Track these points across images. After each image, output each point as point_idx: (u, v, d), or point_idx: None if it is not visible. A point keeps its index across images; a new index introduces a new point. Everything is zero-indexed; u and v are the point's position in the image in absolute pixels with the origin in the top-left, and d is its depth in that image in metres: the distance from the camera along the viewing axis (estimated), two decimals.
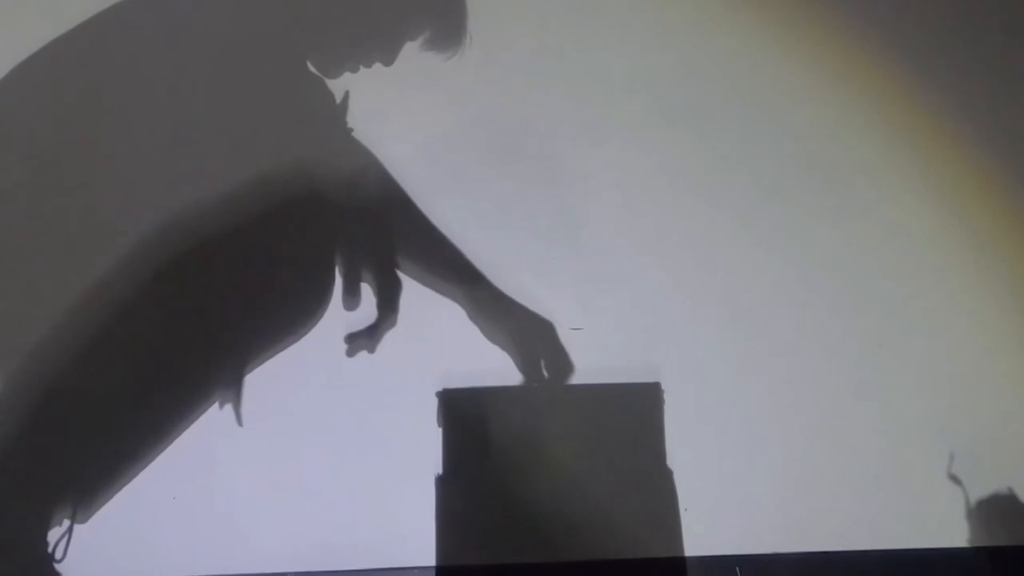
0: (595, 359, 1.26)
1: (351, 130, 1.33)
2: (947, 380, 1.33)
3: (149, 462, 1.19)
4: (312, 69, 1.33)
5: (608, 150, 1.36)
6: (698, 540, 1.21)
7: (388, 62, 1.35)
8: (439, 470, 1.21)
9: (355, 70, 1.35)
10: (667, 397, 1.25)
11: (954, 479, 1.26)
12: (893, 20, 1.45)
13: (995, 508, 1.25)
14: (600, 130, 1.37)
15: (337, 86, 1.34)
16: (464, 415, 1.22)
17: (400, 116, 1.35)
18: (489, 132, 1.36)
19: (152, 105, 1.28)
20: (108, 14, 1.28)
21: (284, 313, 1.26)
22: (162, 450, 1.19)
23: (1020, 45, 1.47)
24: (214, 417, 1.21)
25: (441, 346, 1.26)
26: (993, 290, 1.37)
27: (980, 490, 1.26)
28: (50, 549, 1.14)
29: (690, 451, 1.24)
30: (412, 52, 1.36)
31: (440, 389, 1.23)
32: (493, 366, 1.25)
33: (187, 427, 1.20)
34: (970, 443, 1.29)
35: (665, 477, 1.21)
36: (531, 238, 1.32)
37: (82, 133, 1.27)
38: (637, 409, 1.24)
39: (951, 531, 1.25)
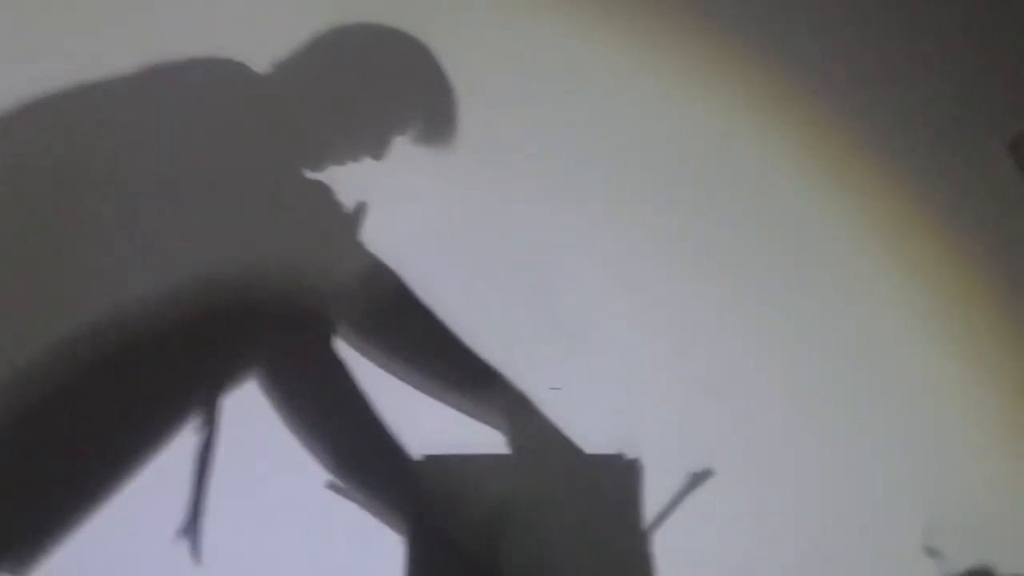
0: (573, 427, 1.25)
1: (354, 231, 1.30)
2: (923, 452, 1.35)
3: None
4: (297, 164, 1.32)
5: (590, 223, 1.42)
6: None
7: (378, 156, 1.35)
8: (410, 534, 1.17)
9: (342, 164, 1.36)
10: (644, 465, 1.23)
11: (930, 551, 1.25)
12: (863, 105, 1.57)
13: None
14: (583, 203, 1.43)
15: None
16: (438, 481, 1.20)
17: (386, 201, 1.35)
18: (472, 205, 1.41)
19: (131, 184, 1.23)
20: (95, 88, 1.26)
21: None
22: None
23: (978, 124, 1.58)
24: (178, 475, 1.17)
25: (416, 411, 1.25)
26: (969, 362, 1.42)
27: (956, 563, 1.25)
28: None
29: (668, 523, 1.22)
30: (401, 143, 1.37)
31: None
32: (468, 432, 1.25)
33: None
34: (947, 515, 1.28)
35: (642, 549, 1.18)
36: (511, 307, 1.34)
37: (53, 199, 1.21)
38: (615, 481, 1.22)
39: None
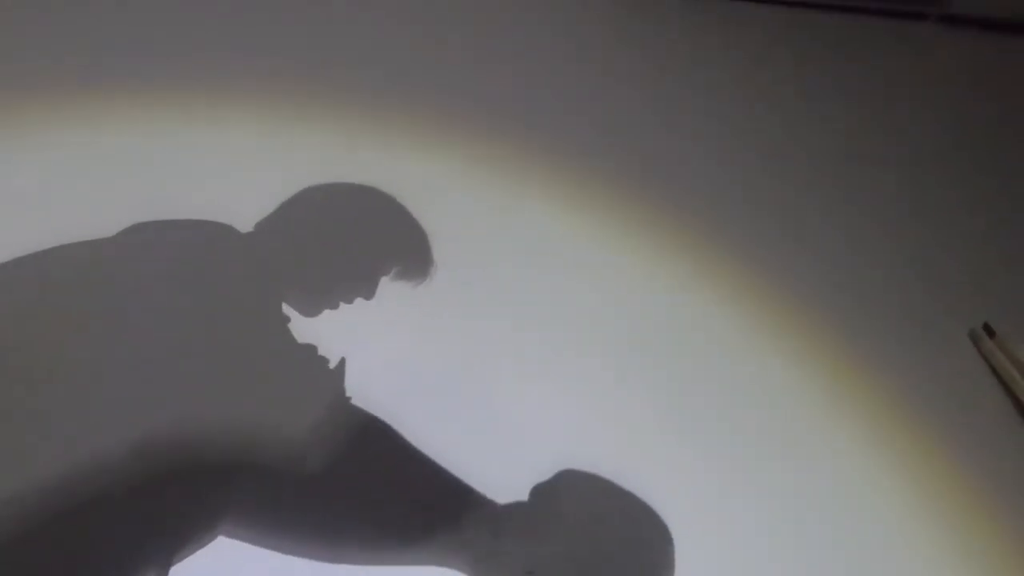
0: None
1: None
2: None
3: None
4: (282, 322, 1.36)
5: (563, 382, 1.43)
6: None
7: (369, 296, 1.43)
8: None
9: (335, 307, 1.41)
10: None
11: None
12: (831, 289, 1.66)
13: None
14: (555, 361, 1.46)
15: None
16: None
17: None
18: (448, 356, 1.42)
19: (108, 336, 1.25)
20: (82, 247, 1.29)
21: None
22: None
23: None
24: None
25: None
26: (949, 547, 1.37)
27: None
28: None
29: None
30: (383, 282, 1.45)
31: None
32: None
33: None
34: None
35: None
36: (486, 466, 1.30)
37: (31, 353, 1.21)
38: None
39: None
